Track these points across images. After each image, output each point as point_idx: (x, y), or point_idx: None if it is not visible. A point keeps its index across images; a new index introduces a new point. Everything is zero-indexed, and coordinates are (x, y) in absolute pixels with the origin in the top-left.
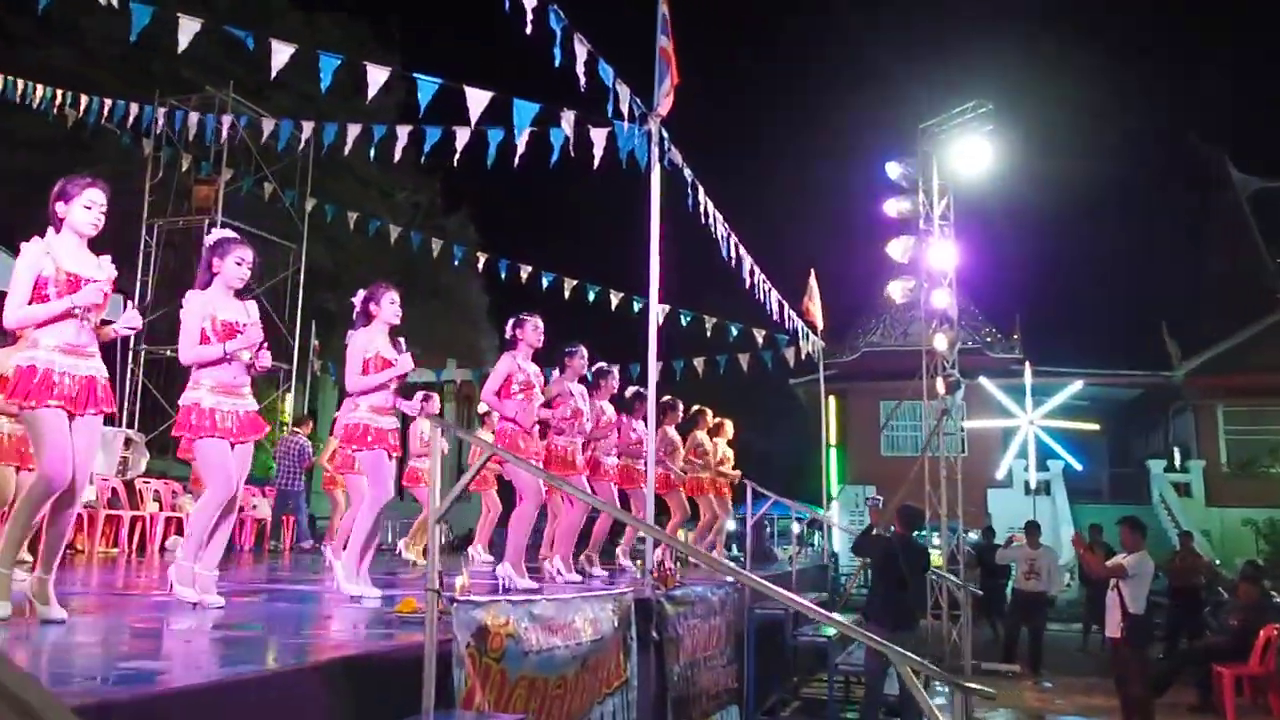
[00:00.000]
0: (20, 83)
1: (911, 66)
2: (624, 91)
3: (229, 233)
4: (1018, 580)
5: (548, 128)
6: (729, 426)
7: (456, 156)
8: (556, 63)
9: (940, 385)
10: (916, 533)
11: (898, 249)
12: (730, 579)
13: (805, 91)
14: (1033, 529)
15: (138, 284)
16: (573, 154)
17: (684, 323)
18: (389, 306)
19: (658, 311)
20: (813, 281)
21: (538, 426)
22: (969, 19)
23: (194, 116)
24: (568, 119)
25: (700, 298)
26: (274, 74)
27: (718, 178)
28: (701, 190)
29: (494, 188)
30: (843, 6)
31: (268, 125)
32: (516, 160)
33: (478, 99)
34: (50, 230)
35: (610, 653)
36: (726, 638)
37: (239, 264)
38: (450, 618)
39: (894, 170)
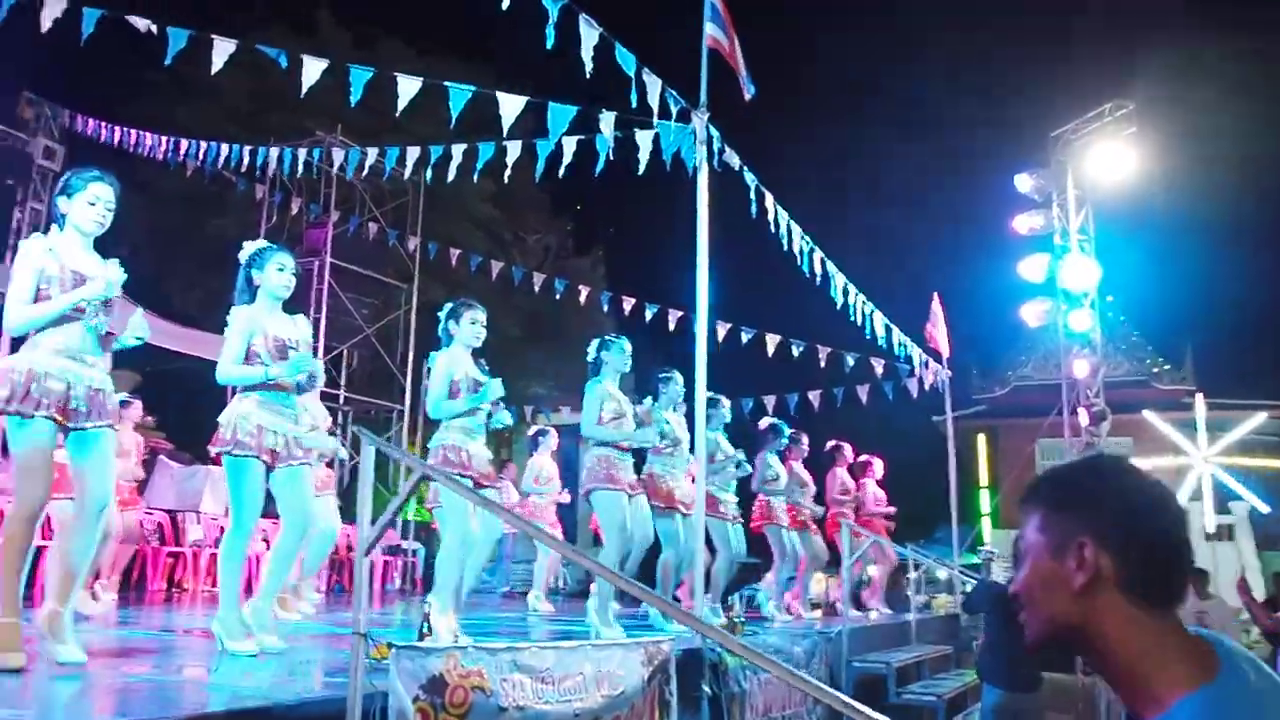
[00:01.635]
0: (164, 140)
1: (1038, 67)
2: (653, 84)
3: (263, 243)
4: None
5: (594, 135)
6: (878, 465)
7: (507, 171)
8: (549, 43)
9: (1083, 417)
10: None
11: (1031, 268)
12: (816, 628)
13: (919, 99)
14: (1200, 577)
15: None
16: (612, 158)
17: (795, 353)
18: (469, 327)
19: (704, 329)
20: (936, 306)
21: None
22: (1101, 9)
23: (301, 156)
24: (607, 121)
25: (813, 327)
26: (400, 108)
27: (813, 193)
28: (769, 197)
29: (627, 226)
30: (955, 3)
31: (371, 155)
32: (562, 170)
33: (512, 105)
34: (54, 229)
35: (640, 710)
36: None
37: (280, 270)
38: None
39: (1024, 183)
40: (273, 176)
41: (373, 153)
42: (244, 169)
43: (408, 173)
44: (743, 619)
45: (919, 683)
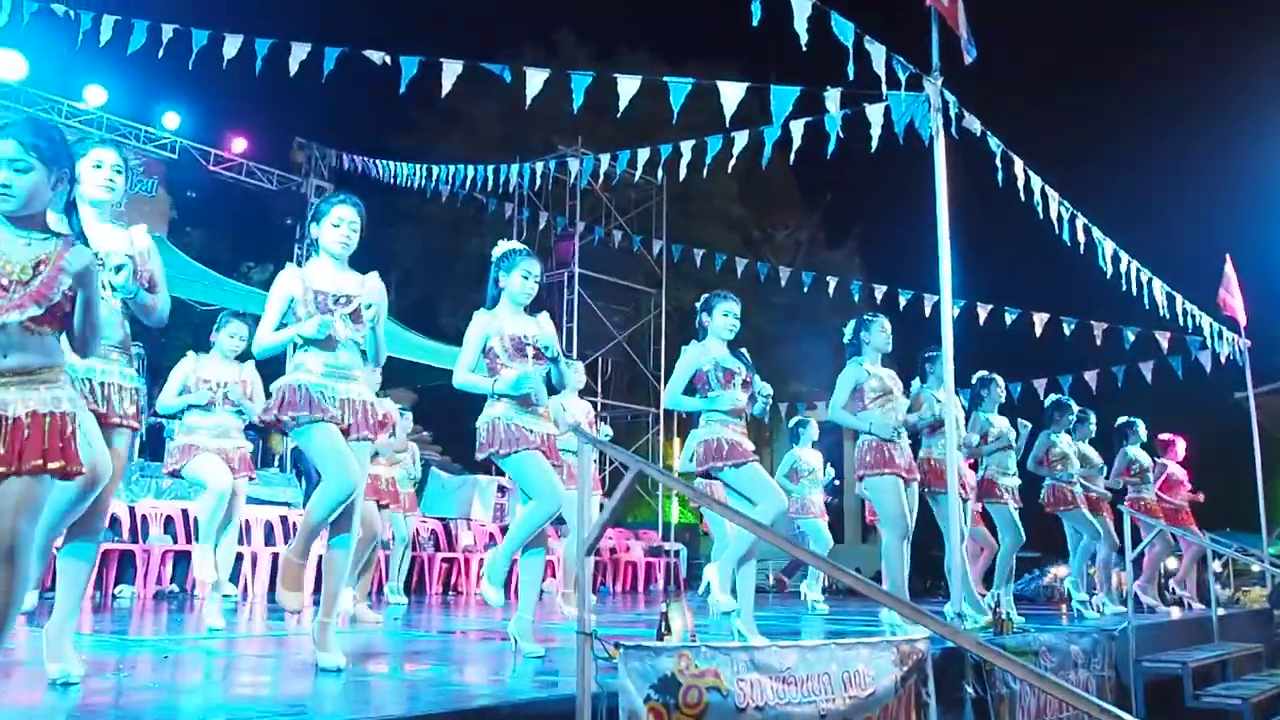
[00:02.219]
0: (418, 169)
1: None
2: (877, 52)
3: (516, 244)
4: None
5: (821, 116)
6: (1180, 445)
7: (732, 162)
8: (755, 20)
9: None
10: None
11: None
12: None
13: (1195, 43)
14: None
15: None
16: (842, 135)
17: (1067, 332)
18: (721, 319)
19: (950, 307)
20: (1229, 268)
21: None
22: None
23: (539, 169)
24: (832, 97)
25: (1083, 304)
26: (621, 108)
27: (1068, 156)
28: (1018, 162)
29: (880, 214)
30: None
31: (604, 160)
32: (792, 157)
33: (733, 93)
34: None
35: (894, 712)
36: (1099, 696)
37: (525, 277)
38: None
39: None
40: (520, 194)
41: (605, 158)
42: (490, 188)
43: (637, 174)
44: (1011, 615)
45: (1221, 684)
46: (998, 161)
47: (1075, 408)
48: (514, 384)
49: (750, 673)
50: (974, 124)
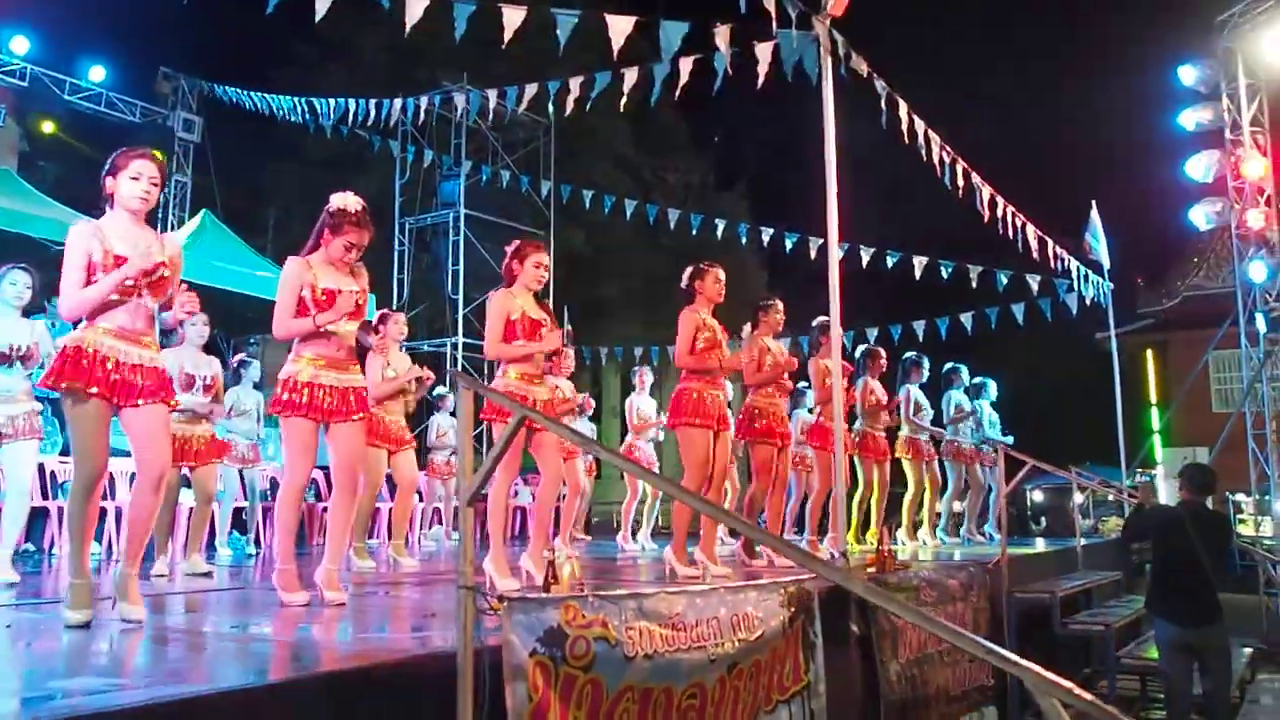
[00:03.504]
0: (298, 103)
1: None
2: None
3: (351, 204)
4: None
5: (710, 54)
6: (992, 386)
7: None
8: None
9: (1261, 324)
10: (1204, 500)
11: (1199, 166)
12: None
13: None
14: None
15: (394, 282)
16: (730, 73)
17: (944, 275)
18: (532, 269)
19: (837, 251)
20: (1094, 215)
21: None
22: None
23: (423, 104)
24: (721, 34)
25: (954, 247)
26: (507, 39)
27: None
28: (903, 106)
29: (768, 159)
30: None
31: (492, 96)
32: (678, 92)
33: (619, 27)
34: (108, 210)
35: (782, 653)
36: (975, 627)
37: (347, 248)
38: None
39: (1189, 75)
40: (405, 131)
41: (493, 94)
42: (373, 124)
43: (521, 108)
44: (897, 549)
45: (1086, 611)
46: (883, 104)
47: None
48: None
49: (639, 621)
50: (861, 65)
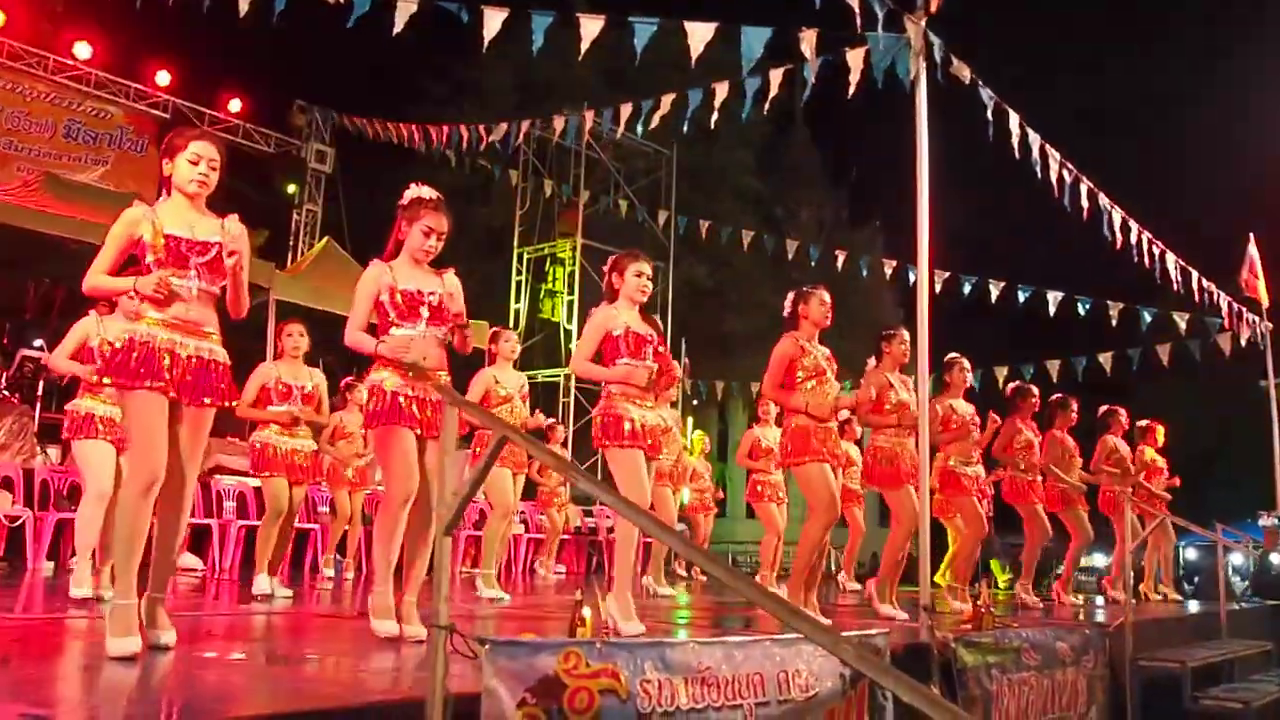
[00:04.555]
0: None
1: None
2: None
3: (425, 191)
4: None
5: (799, 63)
6: (1160, 431)
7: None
8: None
9: None
10: None
11: None
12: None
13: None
14: None
15: (510, 312)
16: (812, 79)
17: (1082, 311)
18: (634, 279)
19: (926, 274)
20: (1252, 247)
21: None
22: None
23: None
24: (808, 39)
25: (1090, 280)
26: (583, 49)
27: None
28: (1014, 118)
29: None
30: None
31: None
32: (767, 104)
33: (700, 35)
34: (162, 195)
35: (842, 716)
36: (1090, 698)
37: (426, 234)
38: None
39: None
40: (526, 162)
41: (590, 115)
42: (487, 149)
43: (619, 131)
44: (990, 609)
45: (1224, 685)
46: (990, 114)
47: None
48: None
49: (659, 673)
50: (963, 72)
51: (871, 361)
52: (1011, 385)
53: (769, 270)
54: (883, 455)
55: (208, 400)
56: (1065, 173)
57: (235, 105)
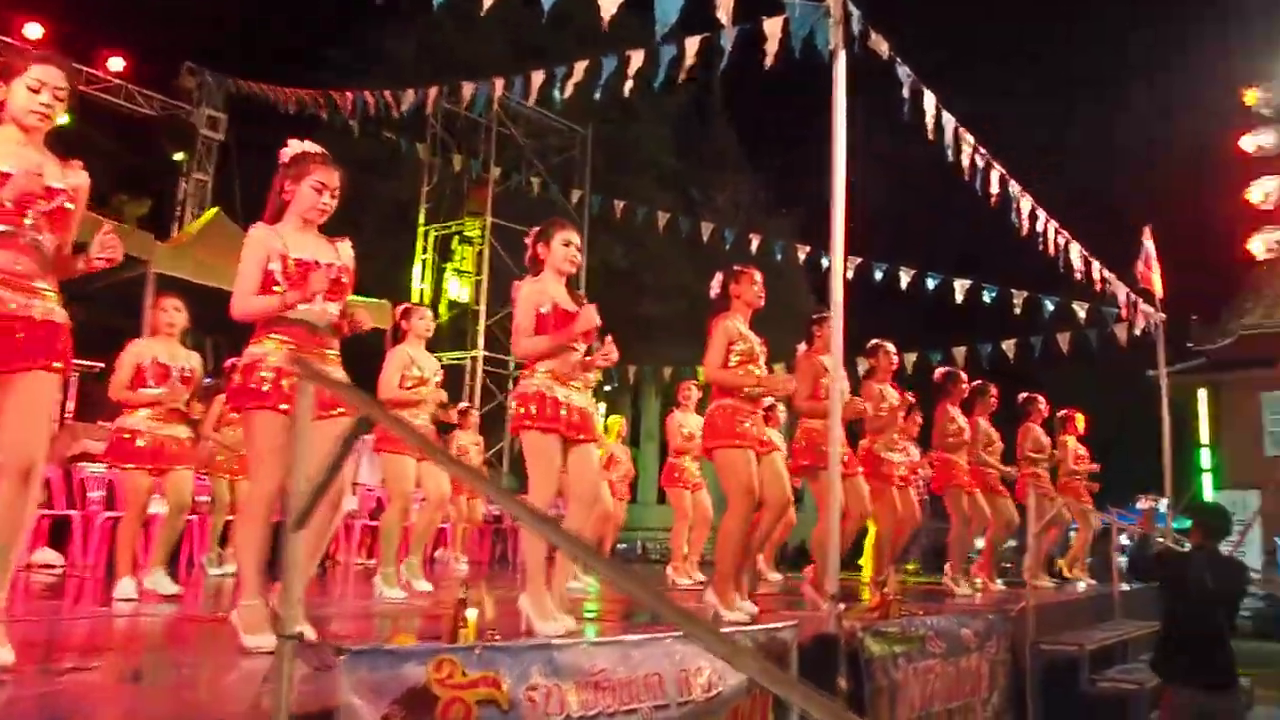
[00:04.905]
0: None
1: None
2: None
3: (310, 145)
4: None
5: (716, 30)
6: (1080, 419)
7: (629, 83)
8: None
9: None
10: (1218, 545)
11: (1260, 193)
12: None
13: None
14: None
15: (414, 291)
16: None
17: (987, 298)
18: (561, 249)
19: (840, 256)
20: (1148, 241)
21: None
22: None
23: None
24: (724, 6)
25: (997, 268)
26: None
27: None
28: (929, 97)
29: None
30: None
31: (467, 90)
32: (683, 73)
33: (608, 4)
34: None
35: (746, 715)
36: (991, 682)
37: (318, 189)
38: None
39: (1252, 97)
40: (434, 135)
41: (499, 84)
42: (393, 119)
43: (533, 99)
44: (898, 596)
45: (1119, 667)
46: (906, 92)
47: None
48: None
49: (547, 678)
50: (881, 46)
51: (802, 347)
52: (941, 370)
53: (685, 253)
54: (814, 441)
55: (43, 365)
56: (978, 158)
57: (117, 64)
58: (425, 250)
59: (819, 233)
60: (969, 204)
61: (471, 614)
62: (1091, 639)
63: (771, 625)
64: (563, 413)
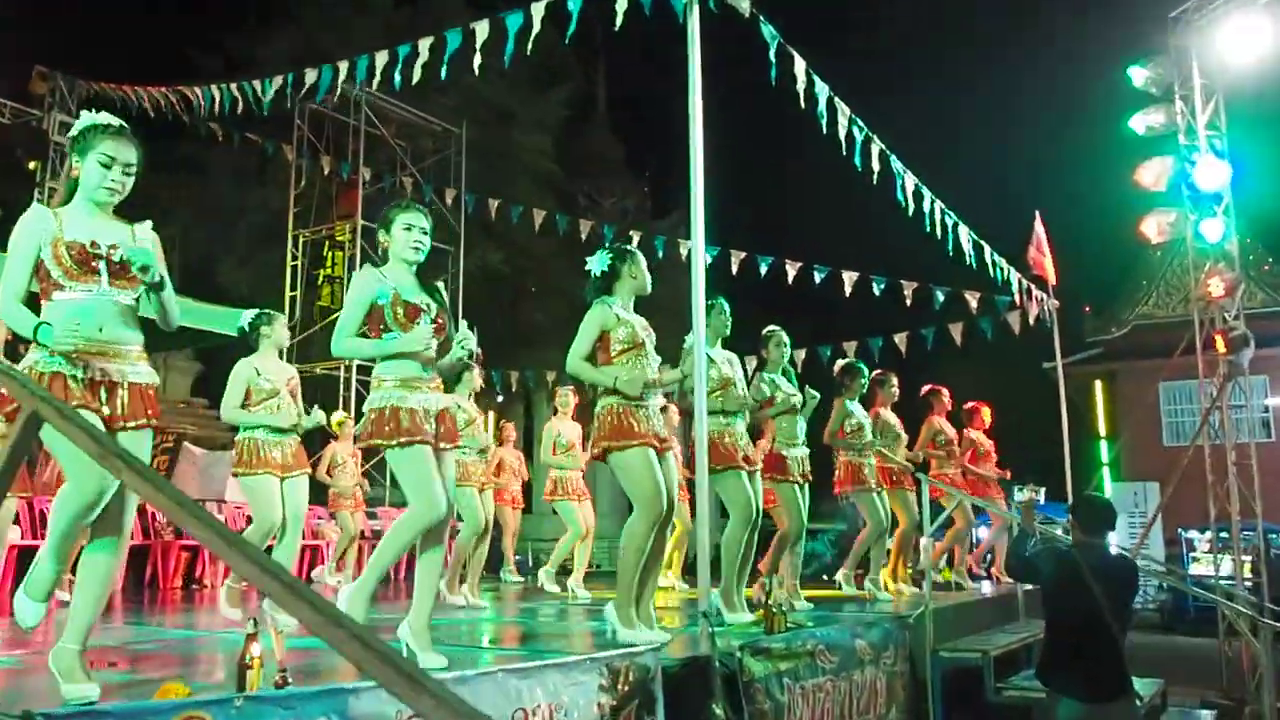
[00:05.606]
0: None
1: None
2: None
3: (102, 116)
4: None
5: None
6: (985, 413)
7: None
8: None
9: (1220, 345)
10: (1103, 541)
11: (1150, 174)
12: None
13: None
14: None
15: (286, 299)
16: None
17: (877, 291)
18: (402, 234)
19: (701, 233)
20: (1039, 227)
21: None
22: None
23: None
24: None
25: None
26: None
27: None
28: (799, 62)
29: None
30: None
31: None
32: (529, 44)
33: None
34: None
35: None
36: (889, 696)
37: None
38: None
39: (1139, 76)
40: (301, 137)
41: (344, 66)
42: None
43: (376, 82)
44: (785, 608)
45: (1024, 673)
46: (773, 56)
47: (869, 371)
48: None
49: None
50: (743, 3)
51: (690, 337)
52: (839, 364)
53: (569, 259)
54: (710, 440)
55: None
56: (856, 130)
57: None
58: (295, 257)
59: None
60: (862, 194)
61: (257, 649)
62: (995, 644)
63: (632, 649)
64: (410, 422)
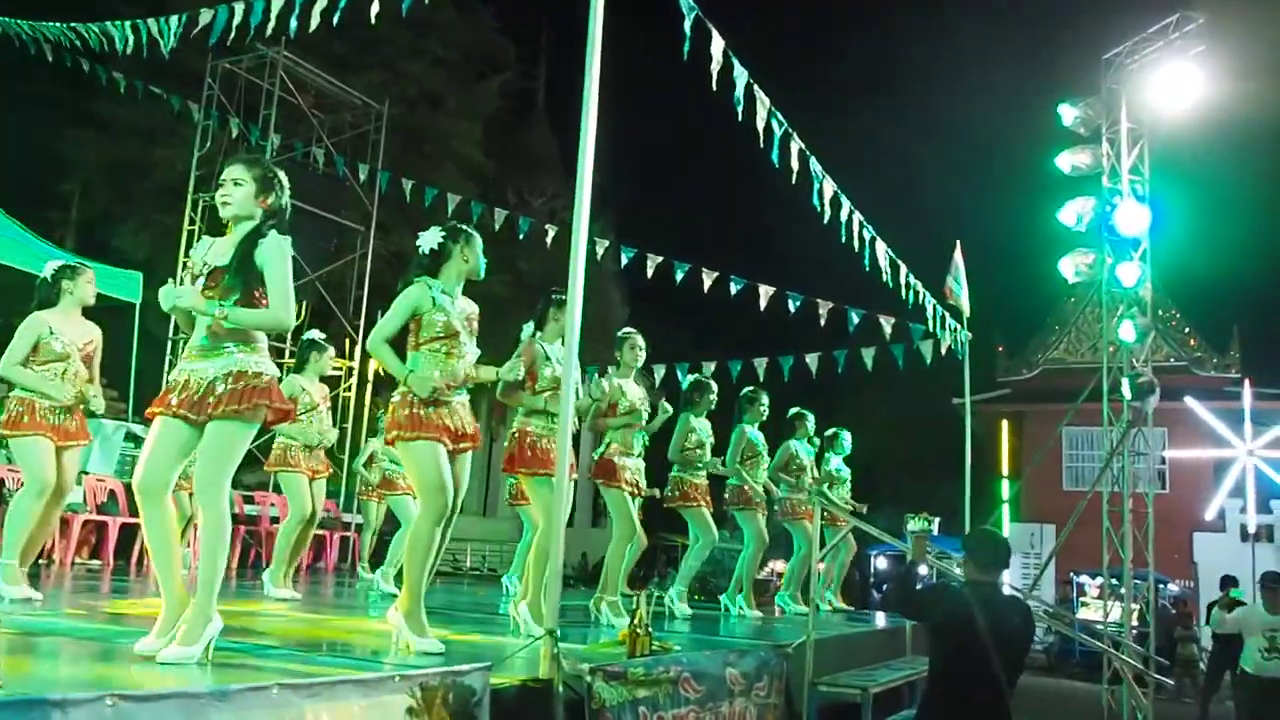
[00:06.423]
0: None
1: None
2: None
3: None
4: (1253, 661)
5: None
6: (847, 439)
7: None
8: None
9: (1125, 389)
10: (996, 580)
11: (1072, 214)
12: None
13: (950, 15)
14: (1273, 584)
15: (179, 267)
16: None
17: (792, 308)
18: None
19: (584, 235)
20: (958, 257)
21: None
22: None
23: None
24: None
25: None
26: None
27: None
28: (717, 41)
29: (638, 188)
30: None
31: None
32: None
33: None
34: None
35: None
36: None
37: None
38: None
39: (1069, 114)
40: (211, 96)
41: (238, 9)
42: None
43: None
44: (648, 629)
45: (904, 713)
46: (687, 27)
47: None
48: None
49: None
50: None
51: (529, 328)
52: (691, 379)
53: (490, 249)
54: (528, 439)
55: None
56: (775, 123)
57: None
58: (194, 221)
59: (631, 231)
60: (774, 187)
61: None
62: (877, 680)
63: (455, 669)
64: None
